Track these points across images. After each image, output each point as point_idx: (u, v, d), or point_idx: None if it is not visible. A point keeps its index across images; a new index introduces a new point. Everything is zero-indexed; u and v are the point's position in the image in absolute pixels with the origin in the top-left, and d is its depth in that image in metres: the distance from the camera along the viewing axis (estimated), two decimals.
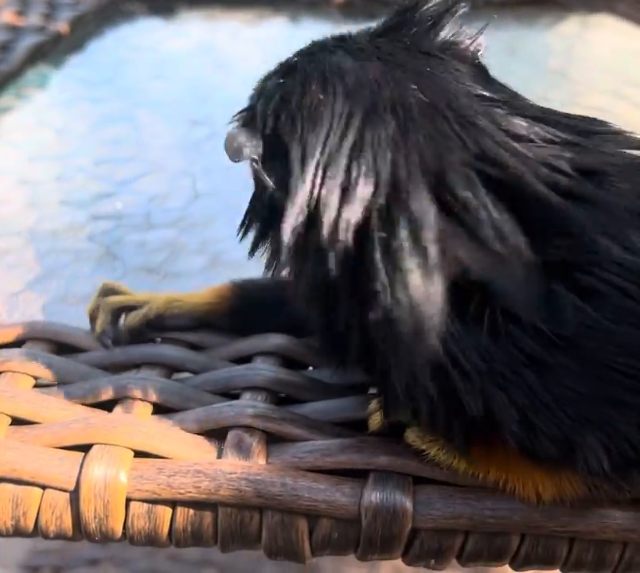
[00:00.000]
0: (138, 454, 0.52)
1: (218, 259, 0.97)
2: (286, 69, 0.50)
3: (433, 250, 0.43)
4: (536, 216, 0.45)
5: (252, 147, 0.48)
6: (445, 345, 0.44)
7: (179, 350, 0.65)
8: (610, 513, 0.51)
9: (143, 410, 0.57)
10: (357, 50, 0.49)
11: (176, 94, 1.39)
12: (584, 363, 0.44)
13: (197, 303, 0.70)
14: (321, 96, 0.46)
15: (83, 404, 0.58)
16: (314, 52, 0.50)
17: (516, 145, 0.46)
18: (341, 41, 0.51)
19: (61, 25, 1.50)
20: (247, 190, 0.53)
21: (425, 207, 0.43)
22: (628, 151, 0.50)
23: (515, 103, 0.50)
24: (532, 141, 0.47)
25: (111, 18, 1.56)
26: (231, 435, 0.54)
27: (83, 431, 0.53)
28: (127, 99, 1.37)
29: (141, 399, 0.58)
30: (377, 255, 0.43)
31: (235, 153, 0.49)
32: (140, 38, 1.56)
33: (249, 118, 0.50)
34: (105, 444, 0.52)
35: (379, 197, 0.44)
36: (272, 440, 0.54)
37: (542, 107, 0.51)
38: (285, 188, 0.45)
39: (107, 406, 0.58)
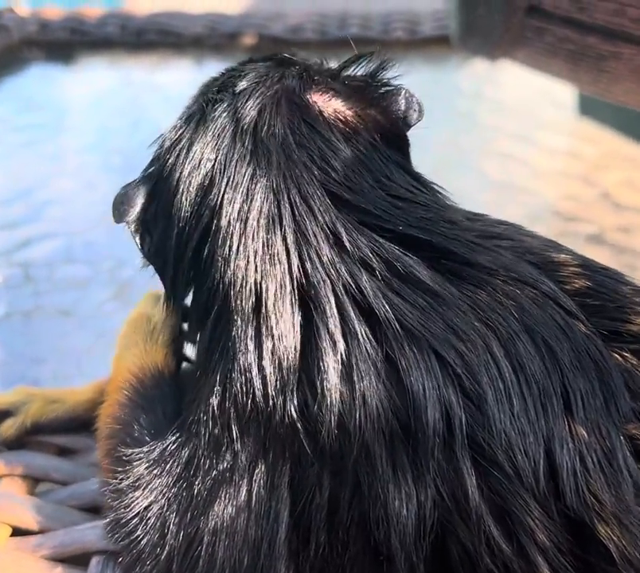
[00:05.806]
0: None
1: None
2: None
3: None
4: None
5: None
6: None
7: (44, 458, 0.59)
8: None
9: None
10: None
11: (78, 148, 1.34)
12: None
13: (77, 401, 0.63)
14: None
15: None
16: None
17: None
18: None
19: None
20: None
21: None
22: None
23: None
24: None
25: (6, 67, 1.49)
26: (93, 562, 0.49)
27: None
28: (25, 157, 1.31)
29: None
30: None
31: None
32: (38, 87, 1.50)
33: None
34: None
35: None
36: None
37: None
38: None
39: None
